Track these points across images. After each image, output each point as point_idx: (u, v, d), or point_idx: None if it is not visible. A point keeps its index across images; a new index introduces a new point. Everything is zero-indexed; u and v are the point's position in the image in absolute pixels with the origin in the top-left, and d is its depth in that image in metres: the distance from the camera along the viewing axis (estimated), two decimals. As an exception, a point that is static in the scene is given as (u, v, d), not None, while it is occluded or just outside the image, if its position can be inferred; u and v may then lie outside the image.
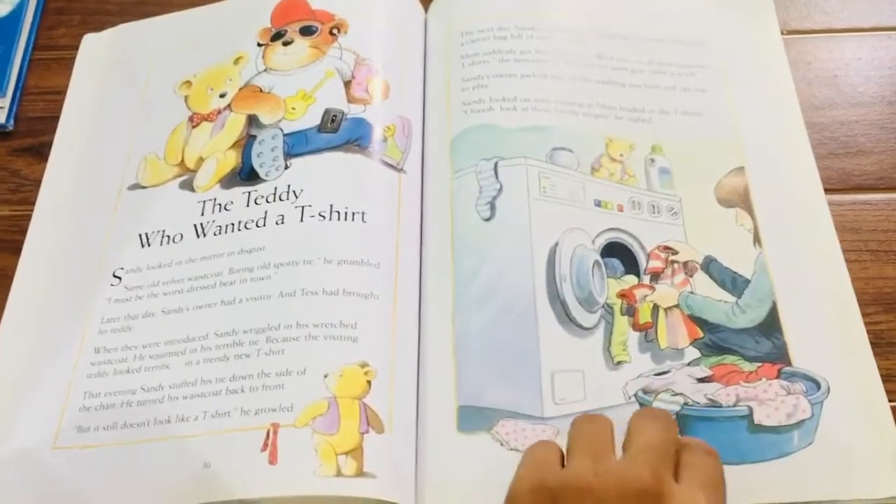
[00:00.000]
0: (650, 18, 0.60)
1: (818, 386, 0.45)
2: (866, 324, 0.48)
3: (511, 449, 0.45)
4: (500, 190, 0.52)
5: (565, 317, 0.48)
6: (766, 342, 0.47)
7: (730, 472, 0.38)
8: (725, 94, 0.57)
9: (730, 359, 0.47)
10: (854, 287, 0.49)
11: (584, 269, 0.49)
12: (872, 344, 0.48)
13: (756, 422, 0.44)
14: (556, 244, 0.50)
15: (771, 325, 0.48)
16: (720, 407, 0.45)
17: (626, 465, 0.35)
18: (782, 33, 0.60)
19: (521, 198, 0.51)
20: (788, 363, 0.47)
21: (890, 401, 0.46)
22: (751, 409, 0.44)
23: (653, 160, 0.54)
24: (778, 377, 0.46)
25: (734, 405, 0.45)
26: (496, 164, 0.52)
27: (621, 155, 0.54)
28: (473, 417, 0.46)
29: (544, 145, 0.53)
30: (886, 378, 0.47)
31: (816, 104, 0.58)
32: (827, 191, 0.53)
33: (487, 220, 0.51)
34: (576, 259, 0.50)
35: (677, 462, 0.37)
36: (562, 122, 0.55)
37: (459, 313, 0.48)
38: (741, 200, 0.52)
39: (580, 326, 0.48)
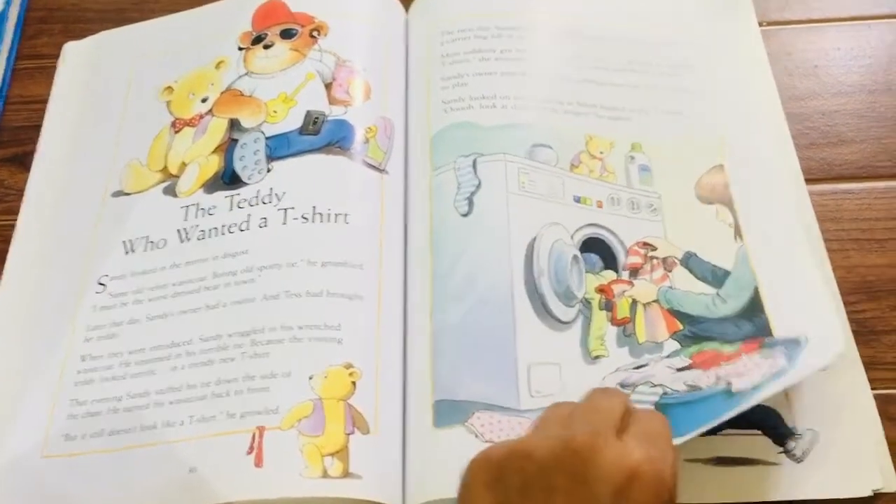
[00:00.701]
0: (628, 18, 0.60)
1: (798, 343, 0.44)
2: (849, 312, 0.49)
3: (486, 441, 0.44)
4: (479, 186, 0.52)
5: (543, 310, 0.48)
6: (747, 325, 0.47)
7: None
8: (705, 91, 0.57)
9: (710, 345, 0.47)
10: (836, 276, 0.50)
11: (562, 263, 0.49)
12: (855, 332, 0.48)
13: (734, 390, 0.43)
14: (535, 238, 0.50)
15: (752, 309, 0.48)
16: (700, 389, 0.44)
17: (567, 428, 0.36)
18: (761, 25, 0.60)
19: (499, 193, 0.51)
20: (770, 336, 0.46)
21: (872, 388, 0.46)
22: (730, 383, 0.44)
23: (633, 157, 0.54)
24: (759, 349, 0.45)
25: (713, 384, 0.44)
26: (475, 161, 0.52)
27: (601, 152, 0.54)
28: (448, 412, 0.45)
29: (524, 142, 0.53)
30: (869, 366, 0.47)
31: (797, 95, 0.58)
32: (808, 181, 0.54)
33: (465, 215, 0.51)
34: (554, 253, 0.50)
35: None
36: (542, 120, 0.55)
37: (437, 309, 0.48)
38: (721, 197, 0.52)
39: (558, 320, 0.48)
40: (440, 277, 0.49)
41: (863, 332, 0.48)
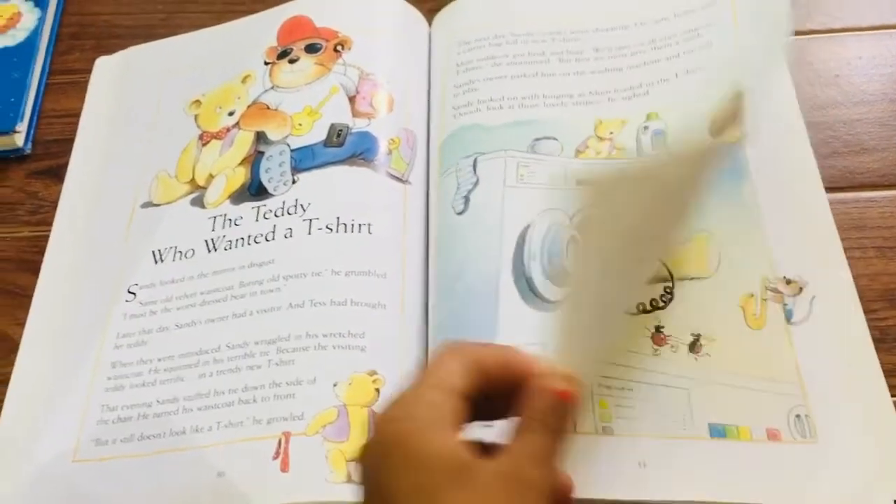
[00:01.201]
0: (651, 3, 0.59)
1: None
2: (872, 320, 0.48)
3: None
4: (476, 183, 0.52)
5: (530, 293, 0.48)
6: None
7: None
8: (727, 43, 0.56)
9: None
10: (858, 284, 0.49)
11: (556, 246, 0.49)
12: (877, 340, 0.47)
13: None
14: (528, 226, 0.50)
15: None
16: None
17: None
18: (782, 35, 0.60)
19: (495, 188, 0.52)
20: None
21: (893, 396, 0.46)
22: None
23: (646, 127, 0.54)
24: None
25: None
26: (475, 160, 0.53)
27: (611, 133, 0.54)
28: None
29: (527, 137, 0.54)
30: (889, 374, 0.47)
31: (819, 104, 0.58)
32: (831, 189, 0.53)
33: (460, 213, 0.51)
34: (549, 237, 0.49)
35: None
36: (547, 114, 0.55)
37: (433, 308, 0.49)
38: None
39: (547, 301, 0.48)
40: (440, 277, 0.50)
41: (886, 340, 0.48)
